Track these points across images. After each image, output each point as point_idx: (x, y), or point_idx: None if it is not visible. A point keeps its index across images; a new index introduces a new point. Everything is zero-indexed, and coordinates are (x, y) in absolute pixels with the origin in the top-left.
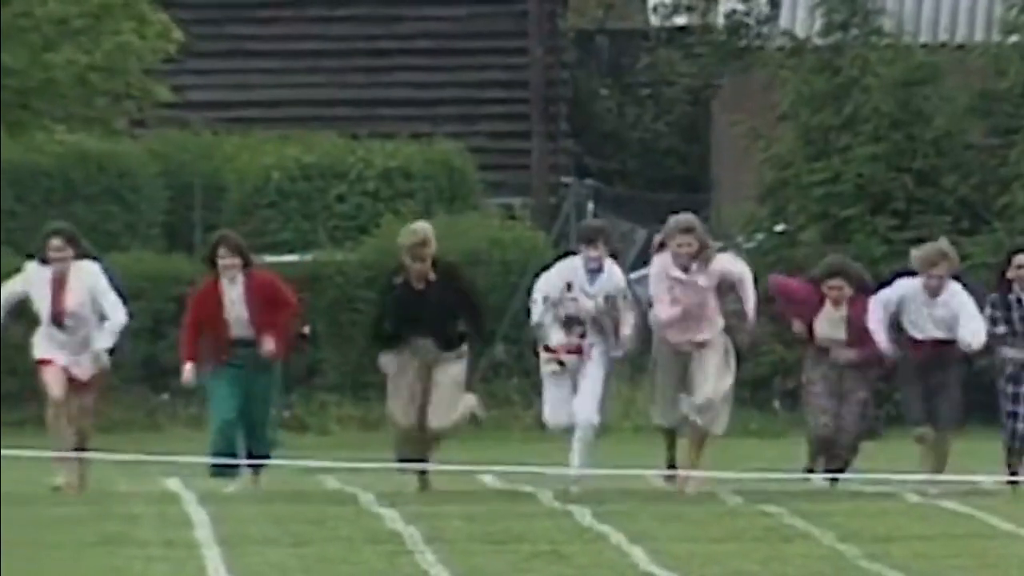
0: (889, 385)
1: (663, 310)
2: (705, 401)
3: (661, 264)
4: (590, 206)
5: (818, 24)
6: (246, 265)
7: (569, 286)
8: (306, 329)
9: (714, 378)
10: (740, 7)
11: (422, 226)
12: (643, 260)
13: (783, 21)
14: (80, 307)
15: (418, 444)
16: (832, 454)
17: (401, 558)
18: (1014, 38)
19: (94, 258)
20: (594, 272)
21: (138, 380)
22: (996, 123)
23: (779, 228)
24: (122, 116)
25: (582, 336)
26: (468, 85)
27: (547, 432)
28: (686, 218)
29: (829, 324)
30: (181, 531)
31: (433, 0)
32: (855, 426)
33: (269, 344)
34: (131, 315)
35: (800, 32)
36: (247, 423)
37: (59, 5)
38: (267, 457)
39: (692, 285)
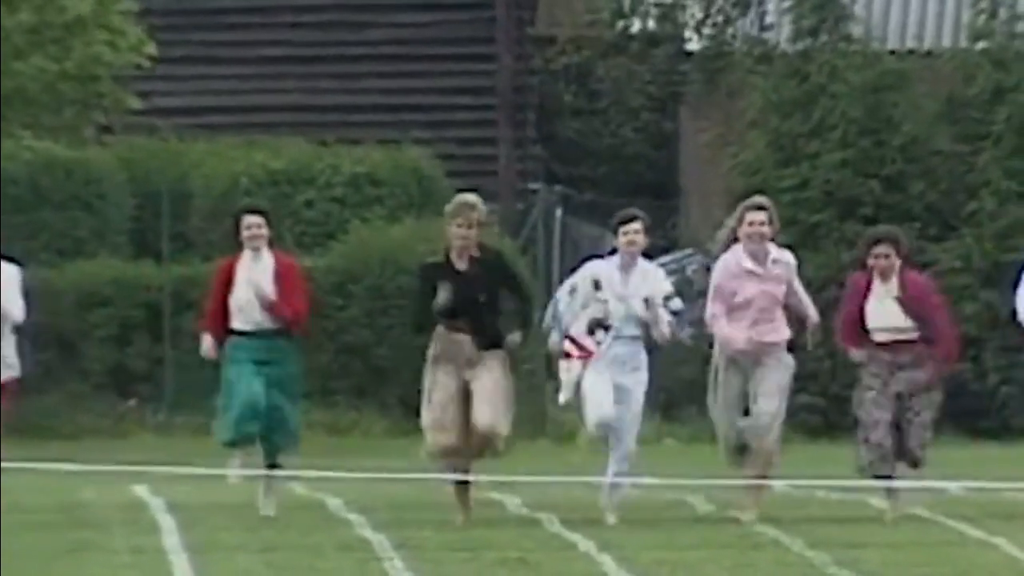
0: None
1: (721, 317)
2: (765, 422)
3: (728, 260)
4: (558, 212)
5: (787, 30)
6: (271, 242)
7: (597, 284)
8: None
9: (776, 398)
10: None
11: (471, 195)
12: None
13: (751, 28)
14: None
15: (462, 457)
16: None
17: (370, 565)
18: (982, 44)
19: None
20: (628, 268)
21: (105, 386)
22: (964, 129)
23: None
24: (91, 124)
25: (599, 343)
26: (436, 91)
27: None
28: (757, 197)
29: (880, 305)
30: (149, 538)
31: (401, 7)
32: (921, 432)
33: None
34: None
35: (767, 37)
36: (272, 415)
37: (30, 14)
38: (293, 443)
39: (766, 278)
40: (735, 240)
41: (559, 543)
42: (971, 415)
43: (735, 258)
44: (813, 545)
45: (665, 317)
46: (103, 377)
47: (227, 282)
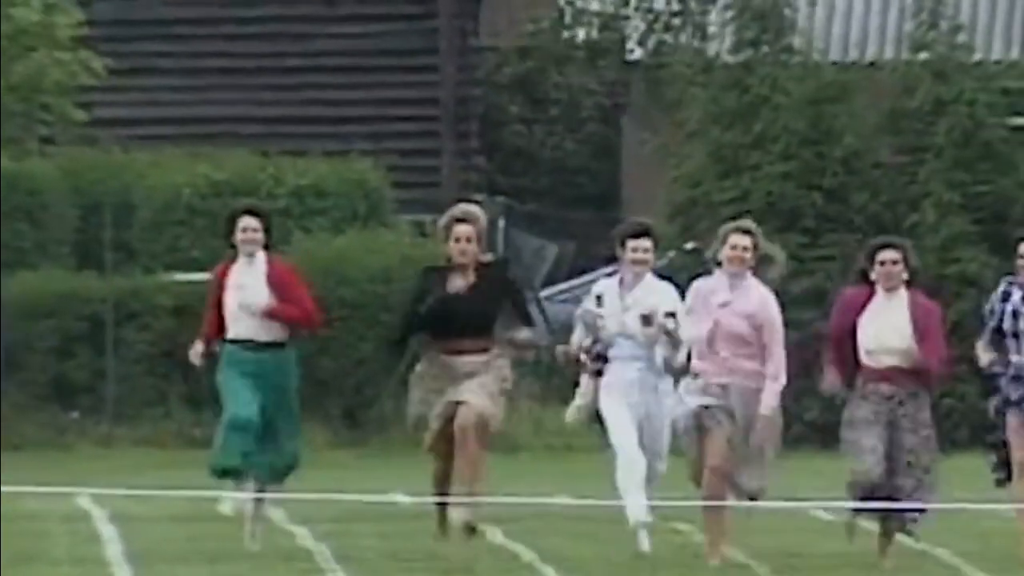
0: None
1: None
2: (756, 484)
3: (698, 287)
4: (501, 223)
5: (728, 41)
6: (267, 247)
7: (599, 300)
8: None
9: (763, 465)
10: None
11: (468, 205)
12: (554, 278)
13: (692, 38)
14: None
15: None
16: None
17: None
18: (924, 55)
19: None
20: (631, 284)
21: (48, 398)
22: (906, 141)
23: (689, 246)
24: (34, 137)
25: (598, 370)
26: (379, 102)
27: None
28: (744, 220)
29: (883, 320)
30: (91, 548)
31: (344, 17)
32: (922, 460)
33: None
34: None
35: (710, 49)
36: (268, 437)
37: None
38: (291, 468)
39: (729, 311)
40: (717, 264)
41: (503, 554)
42: None
43: (703, 285)
44: (754, 555)
45: (678, 336)
46: (45, 389)
47: (220, 288)
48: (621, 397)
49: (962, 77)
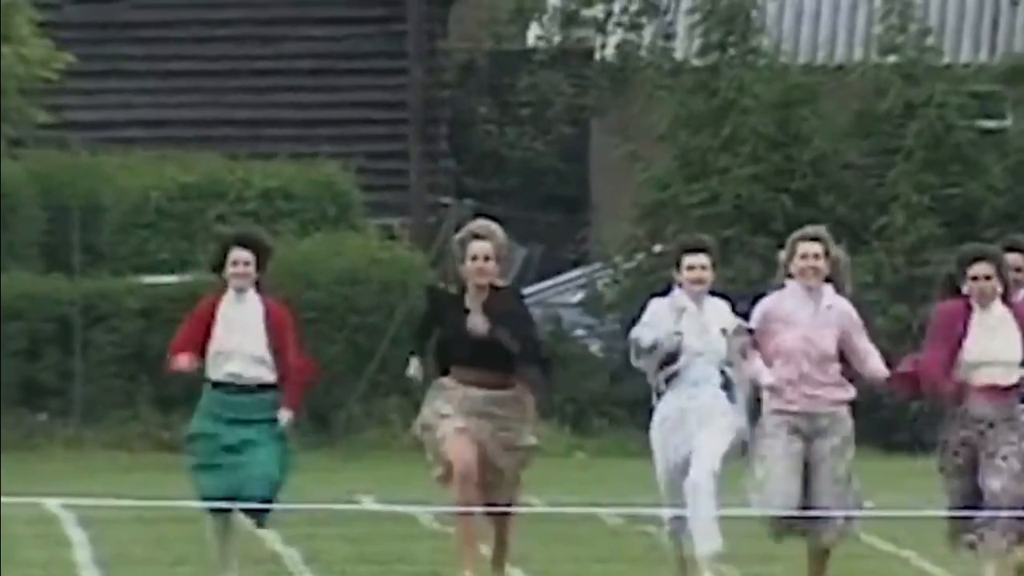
0: None
1: (763, 369)
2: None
3: (766, 304)
4: None
5: (696, 44)
6: (259, 284)
7: (681, 311)
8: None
9: (841, 484)
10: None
11: (486, 221)
12: (522, 281)
13: (659, 41)
14: None
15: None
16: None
17: None
18: (892, 58)
19: None
20: (699, 303)
21: (16, 400)
22: (875, 144)
23: (658, 249)
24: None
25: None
26: (347, 105)
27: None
28: (810, 227)
29: (989, 334)
30: (60, 552)
31: (313, 20)
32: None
33: (286, 413)
34: None
35: (677, 52)
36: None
37: None
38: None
39: (812, 324)
40: (789, 277)
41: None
42: (884, 429)
43: (774, 301)
44: (723, 558)
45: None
46: (13, 391)
47: (205, 324)
48: (670, 435)
49: (931, 80)
